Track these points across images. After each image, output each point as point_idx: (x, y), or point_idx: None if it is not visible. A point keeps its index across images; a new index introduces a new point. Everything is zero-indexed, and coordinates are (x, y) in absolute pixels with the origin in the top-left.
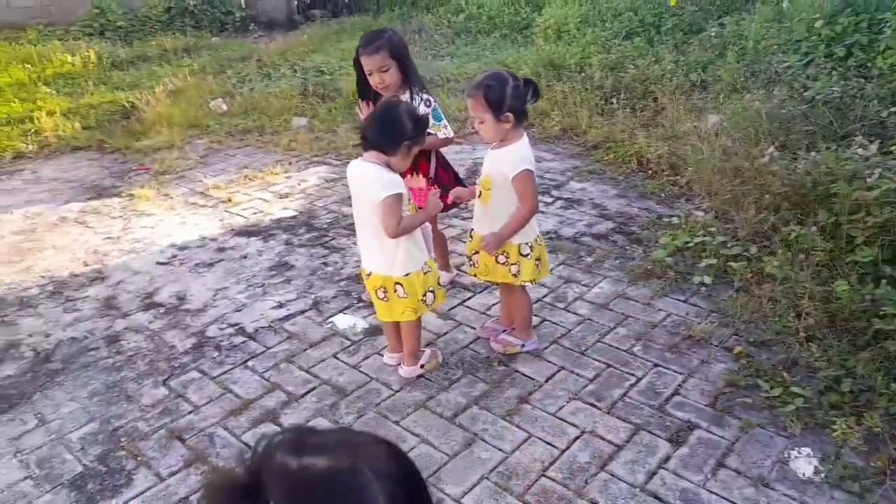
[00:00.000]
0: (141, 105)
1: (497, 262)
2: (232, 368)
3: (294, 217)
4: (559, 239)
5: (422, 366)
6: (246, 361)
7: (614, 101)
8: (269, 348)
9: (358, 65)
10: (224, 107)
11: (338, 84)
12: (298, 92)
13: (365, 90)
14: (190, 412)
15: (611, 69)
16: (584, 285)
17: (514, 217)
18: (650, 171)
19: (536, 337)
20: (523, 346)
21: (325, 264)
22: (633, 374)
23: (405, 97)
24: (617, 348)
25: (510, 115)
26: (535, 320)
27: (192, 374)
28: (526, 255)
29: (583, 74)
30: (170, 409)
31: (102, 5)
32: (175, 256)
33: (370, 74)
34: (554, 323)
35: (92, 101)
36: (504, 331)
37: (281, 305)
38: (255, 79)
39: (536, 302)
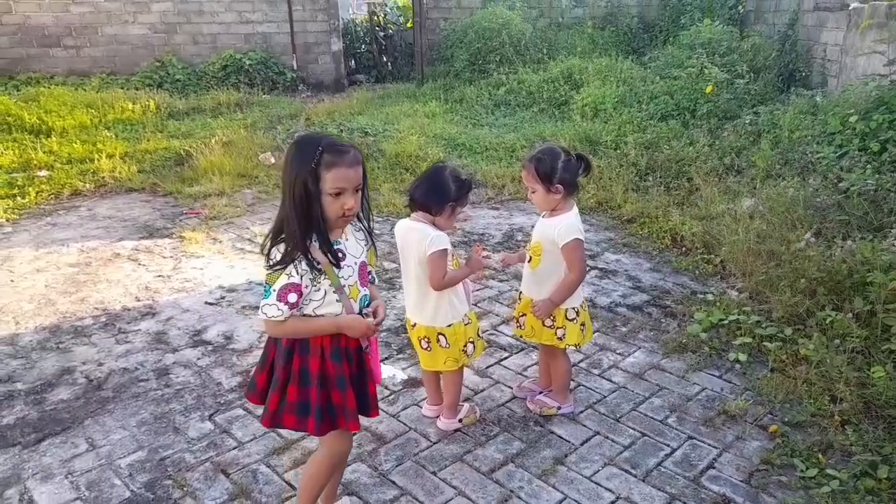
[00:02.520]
0: (195, 153)
1: (544, 324)
2: None
3: None
4: (595, 307)
5: (460, 420)
6: None
7: (649, 178)
8: None
9: (312, 180)
10: (272, 160)
11: (381, 145)
12: None
13: (311, 220)
14: (234, 447)
15: (646, 148)
16: (619, 354)
17: (564, 283)
18: (684, 248)
19: (573, 401)
20: (559, 408)
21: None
22: (667, 445)
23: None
24: (652, 418)
25: (560, 186)
26: (572, 384)
27: (237, 411)
28: (572, 320)
29: (618, 151)
30: (216, 443)
31: (164, 59)
32: (223, 297)
33: (339, 194)
34: (589, 388)
35: (148, 146)
36: (541, 392)
37: None
38: None
39: (573, 366)
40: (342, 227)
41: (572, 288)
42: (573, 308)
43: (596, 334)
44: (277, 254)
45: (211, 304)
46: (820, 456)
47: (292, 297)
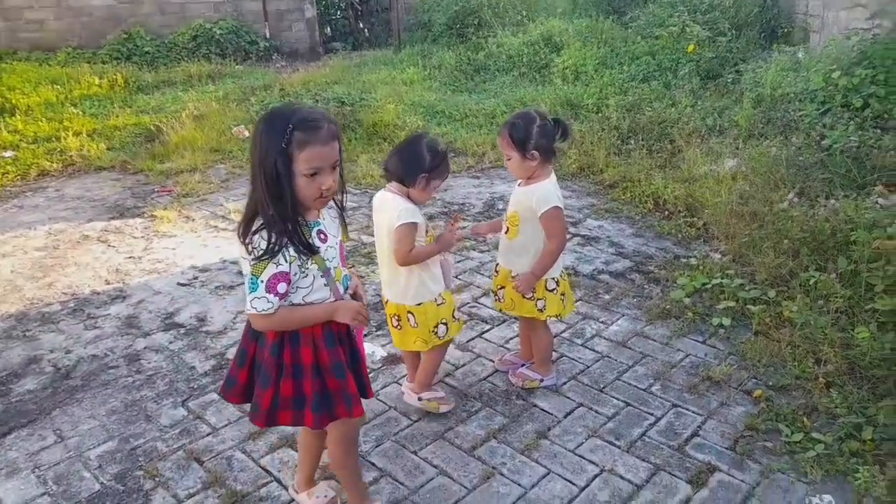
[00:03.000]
0: (165, 129)
1: (524, 296)
2: None
3: None
4: (577, 275)
5: (419, 398)
6: None
7: (631, 141)
8: None
9: (283, 161)
10: (246, 133)
11: (358, 115)
12: None
13: (287, 203)
14: (208, 434)
15: (627, 110)
16: (602, 322)
17: (544, 254)
18: (667, 212)
19: (555, 372)
20: (542, 380)
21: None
22: (652, 414)
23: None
24: (636, 387)
25: (536, 153)
26: (554, 356)
27: (211, 395)
28: (552, 290)
29: (599, 115)
30: (189, 430)
31: (131, 31)
32: (196, 278)
33: (315, 174)
34: (572, 359)
35: (117, 122)
36: (523, 364)
37: None
38: None
39: (555, 337)
40: (319, 209)
41: (553, 258)
42: (553, 278)
43: (578, 303)
44: (262, 242)
45: (183, 284)
46: (805, 420)
47: (282, 287)
